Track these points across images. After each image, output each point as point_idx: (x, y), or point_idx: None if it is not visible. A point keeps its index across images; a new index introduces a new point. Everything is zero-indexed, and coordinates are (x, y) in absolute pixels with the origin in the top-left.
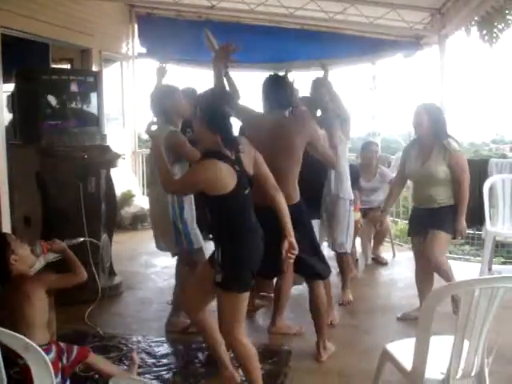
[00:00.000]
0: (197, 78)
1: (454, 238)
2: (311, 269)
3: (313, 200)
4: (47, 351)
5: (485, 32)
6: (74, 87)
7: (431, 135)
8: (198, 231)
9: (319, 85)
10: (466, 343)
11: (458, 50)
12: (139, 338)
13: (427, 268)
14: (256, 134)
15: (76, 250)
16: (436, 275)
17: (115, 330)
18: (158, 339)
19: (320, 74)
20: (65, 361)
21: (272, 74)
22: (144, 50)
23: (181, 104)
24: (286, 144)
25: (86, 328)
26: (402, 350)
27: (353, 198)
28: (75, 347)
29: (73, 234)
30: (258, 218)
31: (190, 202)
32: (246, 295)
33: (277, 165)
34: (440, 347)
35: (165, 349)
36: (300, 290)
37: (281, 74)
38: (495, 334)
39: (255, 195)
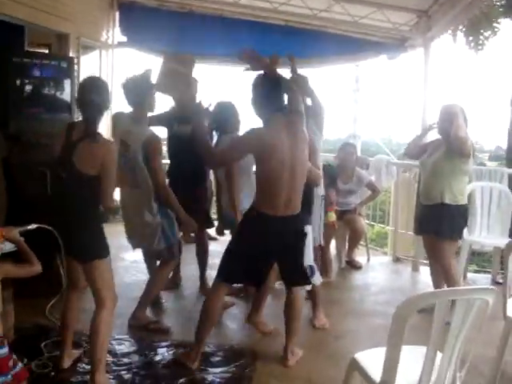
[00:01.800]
0: None
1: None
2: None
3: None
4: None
5: (471, 38)
6: (46, 72)
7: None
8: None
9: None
10: (439, 355)
11: (443, 53)
12: None
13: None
14: (273, 146)
15: (39, 240)
16: None
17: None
18: (120, 337)
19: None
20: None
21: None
22: (124, 39)
23: (153, 98)
24: (304, 143)
25: (47, 322)
26: (372, 360)
27: (323, 193)
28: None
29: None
30: (264, 227)
31: None
32: None
33: (295, 173)
34: (411, 358)
35: (126, 347)
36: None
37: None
38: (469, 346)
39: (263, 205)
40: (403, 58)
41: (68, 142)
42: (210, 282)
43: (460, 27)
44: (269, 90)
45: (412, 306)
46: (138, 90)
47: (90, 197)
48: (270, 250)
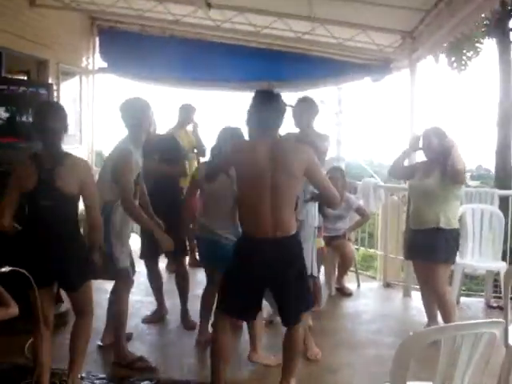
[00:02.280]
0: (159, 95)
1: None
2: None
3: None
4: None
5: (453, 59)
6: (23, 99)
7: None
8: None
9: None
10: None
11: (427, 75)
12: (83, 375)
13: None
14: (251, 159)
15: (18, 275)
16: None
17: (58, 365)
18: (102, 376)
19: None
20: None
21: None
22: (105, 65)
23: (149, 121)
24: (286, 168)
25: (26, 361)
26: None
27: (317, 225)
28: None
29: (18, 260)
30: (253, 250)
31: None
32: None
33: (277, 191)
34: None
35: None
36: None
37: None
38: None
39: (253, 227)
40: (388, 79)
41: (43, 171)
42: (193, 314)
43: (442, 48)
44: (259, 108)
45: (417, 343)
46: (134, 112)
47: (76, 217)
48: (263, 277)
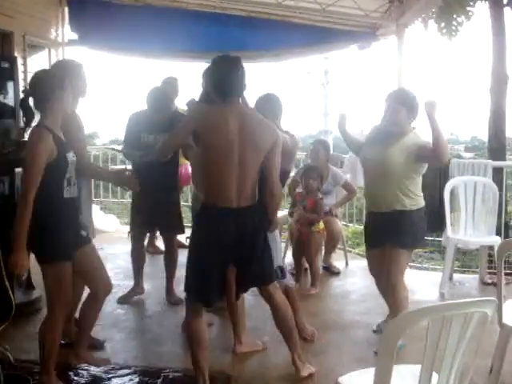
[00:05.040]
0: (132, 66)
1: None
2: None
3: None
4: None
5: (443, 25)
6: None
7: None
8: None
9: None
10: (435, 376)
11: (416, 42)
12: None
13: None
14: (218, 127)
15: None
16: None
17: (28, 355)
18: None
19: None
20: None
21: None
22: (75, 37)
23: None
24: (254, 139)
25: None
26: None
27: None
28: None
29: None
30: (217, 221)
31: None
32: None
33: (244, 160)
34: (403, 379)
35: (83, 378)
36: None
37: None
38: (468, 363)
39: (212, 196)
40: (374, 48)
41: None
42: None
43: (430, 13)
44: (225, 72)
45: (402, 326)
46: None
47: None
48: (227, 249)
